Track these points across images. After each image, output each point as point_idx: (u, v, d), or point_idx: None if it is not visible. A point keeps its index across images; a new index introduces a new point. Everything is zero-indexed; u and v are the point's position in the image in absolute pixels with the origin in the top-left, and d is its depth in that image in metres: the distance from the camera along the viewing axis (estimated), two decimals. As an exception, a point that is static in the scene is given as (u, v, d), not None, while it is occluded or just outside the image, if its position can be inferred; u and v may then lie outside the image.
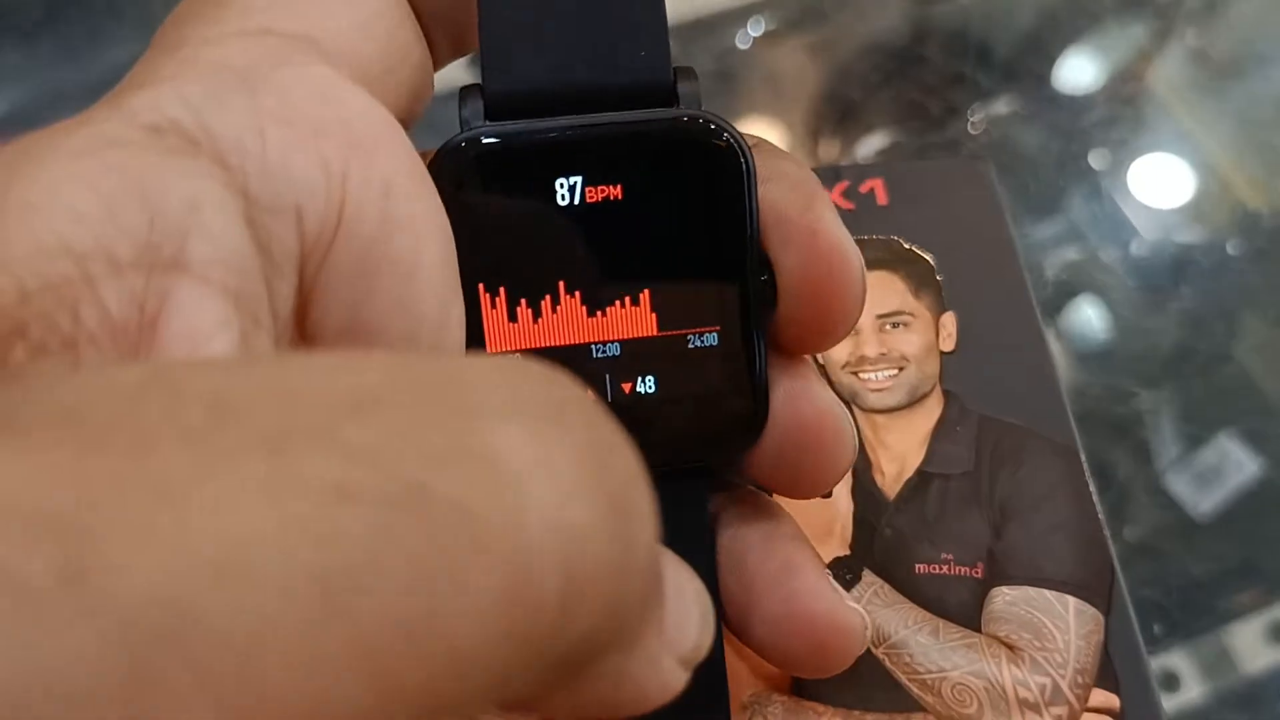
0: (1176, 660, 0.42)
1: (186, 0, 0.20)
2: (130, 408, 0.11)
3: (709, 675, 0.22)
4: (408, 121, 0.21)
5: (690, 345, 0.21)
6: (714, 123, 0.20)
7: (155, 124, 0.17)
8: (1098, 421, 0.44)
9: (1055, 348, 0.45)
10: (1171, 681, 0.41)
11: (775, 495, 0.23)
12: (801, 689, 0.27)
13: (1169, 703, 0.41)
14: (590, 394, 0.15)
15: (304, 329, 0.19)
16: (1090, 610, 0.27)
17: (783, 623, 0.21)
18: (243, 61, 0.19)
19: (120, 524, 0.10)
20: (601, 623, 0.13)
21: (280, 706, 0.10)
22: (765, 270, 0.21)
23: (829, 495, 0.29)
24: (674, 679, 0.16)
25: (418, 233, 0.19)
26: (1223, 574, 0.44)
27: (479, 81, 0.21)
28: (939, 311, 0.32)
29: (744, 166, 0.20)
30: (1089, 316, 0.47)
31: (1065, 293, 0.47)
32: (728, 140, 0.20)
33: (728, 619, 0.22)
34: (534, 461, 0.12)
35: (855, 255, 0.21)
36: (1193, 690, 0.42)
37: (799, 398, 0.21)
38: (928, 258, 0.33)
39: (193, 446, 0.11)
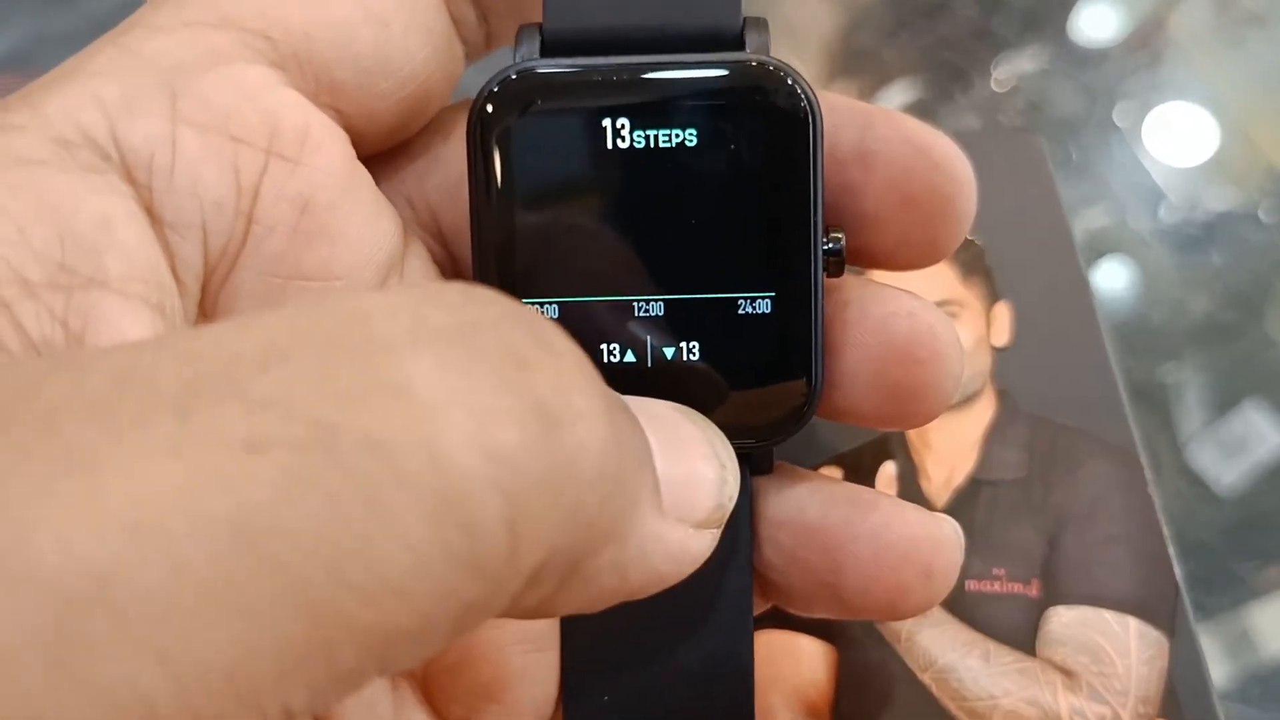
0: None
1: None
2: (34, 390, 0.11)
3: (734, 696, 0.21)
4: (402, 124, 0.20)
5: (740, 310, 0.19)
6: (780, 69, 0.19)
7: (65, 137, 0.17)
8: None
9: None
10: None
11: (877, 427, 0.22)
12: (841, 714, 0.25)
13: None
14: (506, 299, 0.14)
15: None
16: (1154, 633, 0.26)
17: (880, 561, 0.20)
18: (178, 58, 0.18)
19: (28, 495, 0.10)
20: (566, 531, 0.13)
21: (214, 648, 0.10)
22: (831, 238, 0.19)
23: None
24: (694, 546, 0.16)
25: (335, 244, 0.19)
26: (1245, 550, 0.43)
27: (536, 21, 0.20)
28: (990, 301, 0.30)
29: (811, 119, 0.19)
30: (1114, 282, 0.45)
31: (1090, 258, 0.45)
32: (794, 89, 0.19)
33: (799, 596, 0.21)
34: (448, 389, 0.12)
35: (955, 145, 0.20)
36: (1212, 671, 0.41)
37: (894, 315, 0.20)
38: (977, 241, 0.30)
39: (98, 418, 0.11)
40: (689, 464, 0.17)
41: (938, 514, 0.20)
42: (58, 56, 0.19)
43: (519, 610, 0.14)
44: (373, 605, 0.11)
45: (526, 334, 0.13)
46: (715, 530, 0.17)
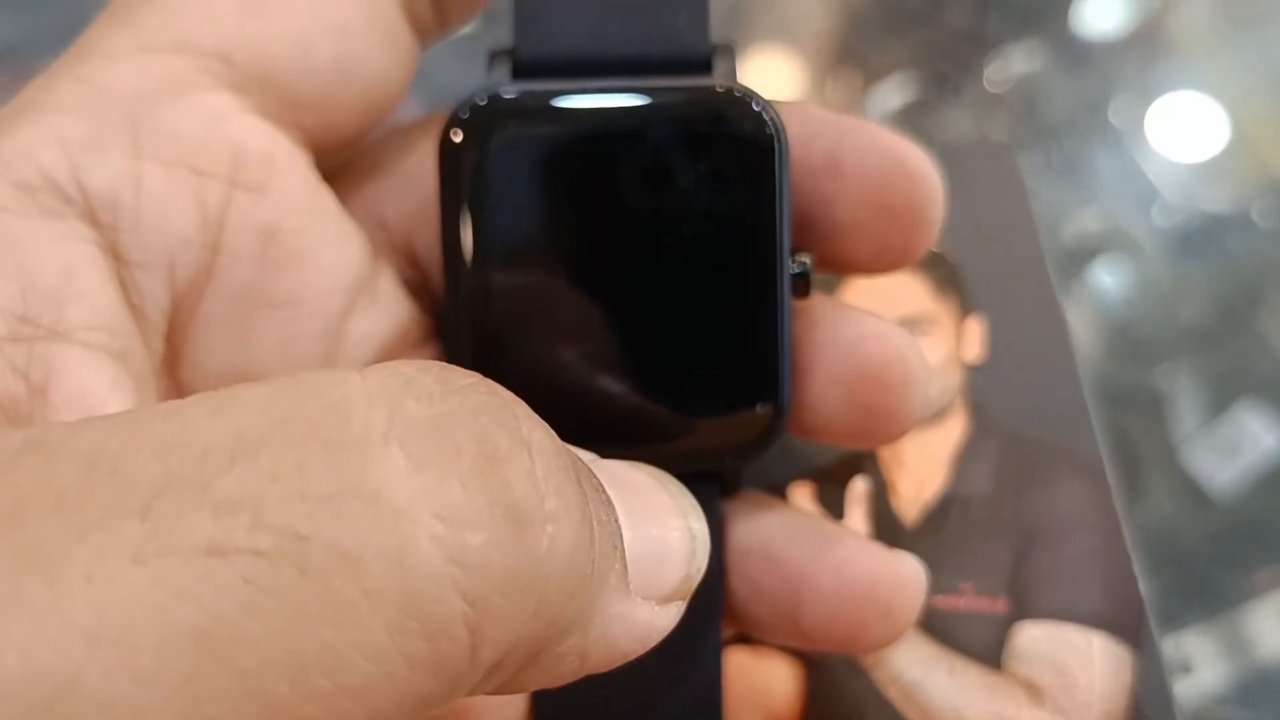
0: (1190, 642, 0.41)
1: None
2: (3, 477, 0.11)
3: (704, 715, 0.21)
4: (364, 130, 0.20)
5: (709, 332, 0.19)
6: (746, 96, 0.19)
7: (27, 180, 0.17)
8: (1112, 393, 0.43)
9: (1071, 316, 0.44)
10: (1184, 664, 0.40)
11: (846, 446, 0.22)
12: (810, 729, 0.25)
13: (1180, 687, 0.40)
14: (484, 386, 0.14)
15: (178, 379, 0.19)
16: (1118, 648, 0.26)
17: (841, 594, 0.20)
18: (138, 88, 0.18)
19: None
20: (530, 627, 0.13)
21: None
22: (798, 261, 0.20)
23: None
24: (659, 621, 0.16)
25: (303, 269, 0.19)
26: (1239, 553, 0.43)
27: (507, 46, 0.20)
28: (961, 316, 0.30)
29: (776, 143, 0.19)
30: (1106, 283, 0.45)
31: (1083, 258, 0.45)
32: (760, 114, 0.19)
33: (762, 624, 0.21)
34: (419, 490, 0.12)
35: (926, 155, 0.20)
36: (1205, 674, 0.41)
37: (864, 339, 0.20)
38: (950, 258, 0.31)
39: (64, 513, 0.11)
40: (659, 536, 0.17)
41: (900, 552, 0.21)
42: (43, 51, 0.18)
43: (474, 694, 0.14)
44: (331, 709, 0.11)
45: (501, 427, 0.13)
46: (682, 602, 0.17)
